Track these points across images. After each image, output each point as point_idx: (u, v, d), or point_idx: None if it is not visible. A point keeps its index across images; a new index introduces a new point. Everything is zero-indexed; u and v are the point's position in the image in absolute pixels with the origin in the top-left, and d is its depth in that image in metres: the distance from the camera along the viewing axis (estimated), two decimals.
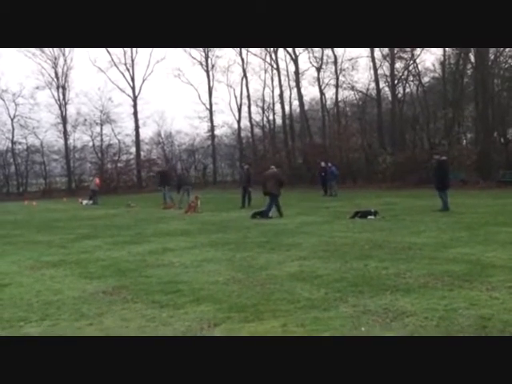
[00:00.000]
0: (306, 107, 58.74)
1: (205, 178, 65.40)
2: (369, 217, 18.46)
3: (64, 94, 59.11)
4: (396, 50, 47.24)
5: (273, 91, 61.62)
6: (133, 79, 62.26)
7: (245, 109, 63.55)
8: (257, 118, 63.80)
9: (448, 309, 6.93)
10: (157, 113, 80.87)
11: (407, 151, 46.20)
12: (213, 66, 64.49)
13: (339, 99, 54.45)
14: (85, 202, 36.76)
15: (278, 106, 61.12)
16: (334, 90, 54.54)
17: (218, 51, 63.27)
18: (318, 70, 54.89)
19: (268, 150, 61.72)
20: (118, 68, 61.91)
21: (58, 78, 58.86)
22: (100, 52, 65.12)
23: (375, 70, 50.12)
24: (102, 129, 61.44)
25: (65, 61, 58.93)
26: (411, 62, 48.17)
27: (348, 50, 53.96)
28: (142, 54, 62.89)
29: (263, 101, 62.60)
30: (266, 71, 62.21)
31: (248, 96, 62.70)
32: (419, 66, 49.05)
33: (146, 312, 7.43)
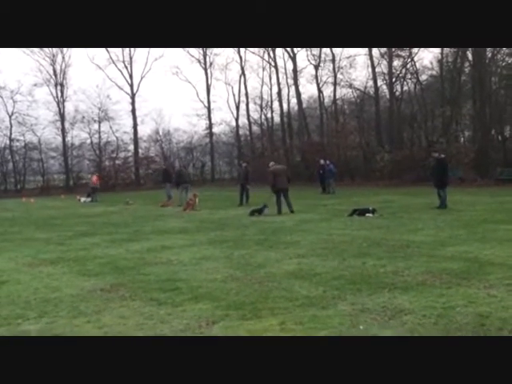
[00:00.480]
0: (304, 105, 58.67)
1: (203, 175, 65.39)
2: (367, 214, 18.47)
3: (62, 92, 59.05)
4: (394, 48, 47.21)
5: (271, 89, 61.60)
6: (131, 77, 62.22)
7: (243, 106, 63.55)
8: (255, 115, 63.83)
9: (446, 307, 6.94)
10: (155, 110, 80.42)
11: (405, 149, 46.19)
12: (211, 63, 64.44)
13: (337, 97, 54.44)
14: (83, 199, 36.73)
15: (276, 104, 61.15)
16: (331, 88, 54.57)
17: (216, 49, 63.21)
18: (316, 67, 54.85)
19: (266, 148, 61.68)
20: (116, 65, 61.91)
21: (56, 76, 58.80)
22: (98, 50, 64.86)
23: (373, 68, 50.10)
24: (100, 126, 61.43)
25: (63, 58, 58.89)
26: (409, 60, 48.15)
27: (346, 48, 54.07)
28: (141, 52, 62.74)
29: (261, 99, 62.61)
30: (264, 69, 62.13)
31: (246, 94, 62.73)
32: (417, 64, 49.04)
33: (144, 310, 7.43)
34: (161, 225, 18.66)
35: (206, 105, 64.66)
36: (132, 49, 61.16)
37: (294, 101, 58.43)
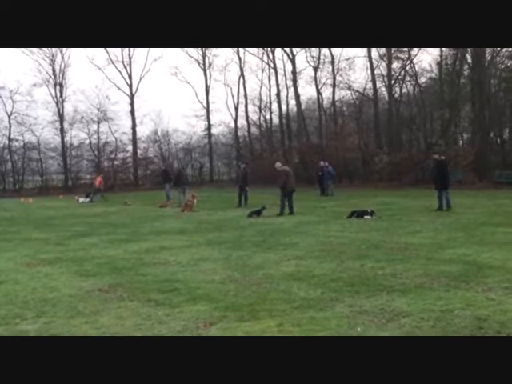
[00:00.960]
0: (303, 107, 58.74)
1: (201, 176, 65.35)
2: (365, 217, 18.48)
3: (61, 92, 58.98)
4: (393, 50, 47.23)
5: (270, 90, 61.64)
6: (130, 77, 62.16)
7: (242, 108, 63.59)
8: (254, 117, 63.84)
9: (444, 309, 6.94)
10: (154, 111, 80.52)
11: (404, 151, 46.24)
12: (210, 64, 64.47)
13: (336, 99, 54.44)
14: (81, 199, 36.70)
15: (274, 105, 61.17)
16: (330, 90, 54.57)
17: (215, 50, 63.19)
18: (315, 69, 54.86)
19: (265, 150, 61.71)
20: (115, 66, 61.94)
21: (55, 76, 58.73)
22: (97, 50, 64.74)
23: (372, 70, 50.14)
24: (98, 126, 61.31)
25: (62, 58, 58.79)
26: (408, 62, 48.17)
27: (345, 49, 54.00)
28: (140, 53, 62.79)
29: (260, 100, 62.65)
30: (263, 70, 62.14)
31: (245, 95, 62.78)
32: (416, 67, 49.07)
33: (142, 310, 7.43)
34: (159, 225, 18.66)
35: (205, 106, 64.72)
36: (131, 49, 61.18)
37: (292, 102, 58.60)
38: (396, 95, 50.29)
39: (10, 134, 57.19)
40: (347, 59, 53.68)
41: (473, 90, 44.10)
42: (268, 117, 62.88)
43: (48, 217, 24.48)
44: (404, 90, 51.11)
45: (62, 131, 58.87)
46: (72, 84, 67.07)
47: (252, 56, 68.14)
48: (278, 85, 58.56)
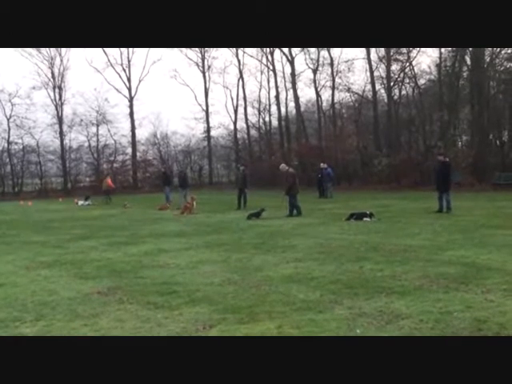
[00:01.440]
0: (302, 109, 58.78)
1: (201, 179, 65.38)
2: (364, 219, 18.49)
3: (60, 95, 59.02)
4: (392, 52, 47.30)
5: (269, 93, 61.75)
6: (129, 80, 62.20)
7: (241, 110, 63.70)
8: (253, 119, 63.90)
9: (443, 311, 6.94)
10: (153, 114, 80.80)
11: (403, 153, 46.25)
12: (209, 67, 64.56)
13: (335, 101, 54.48)
14: (80, 202, 36.68)
15: (274, 108, 61.24)
16: (330, 92, 54.63)
17: (214, 52, 63.40)
18: (314, 71, 54.91)
19: (264, 152, 61.77)
20: (114, 69, 61.88)
21: (54, 79, 58.76)
22: (96, 53, 64.92)
23: (371, 71, 50.18)
24: (98, 129, 61.32)
25: (61, 61, 58.84)
26: (407, 64, 48.20)
27: (344, 51, 54.12)
28: (139, 55, 63.01)
29: (259, 102, 62.71)
30: (262, 73, 62.21)
31: (244, 97, 62.86)
32: (415, 68, 49.09)
33: (141, 313, 7.43)
34: (158, 228, 18.65)
35: (204, 108, 64.84)
36: (130, 52, 61.30)
37: (292, 104, 58.68)
38: (395, 97, 50.31)
39: (9, 137, 57.23)
40: (346, 61, 53.75)
41: (472, 92, 44.12)
42: (267, 119, 63.02)
43: (47, 220, 24.47)
44: (403, 92, 51.15)
45: (61, 134, 58.91)
46: (71, 87, 67.22)
47: (251, 58, 68.18)
48: (277, 87, 58.70)
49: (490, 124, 43.16)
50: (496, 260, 10.40)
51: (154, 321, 7.02)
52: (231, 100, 66.09)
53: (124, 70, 61.94)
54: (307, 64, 56.06)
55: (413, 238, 13.73)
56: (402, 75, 49.26)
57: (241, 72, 62.08)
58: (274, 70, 58.77)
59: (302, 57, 59.95)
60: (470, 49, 41.53)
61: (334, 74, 53.21)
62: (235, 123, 64.29)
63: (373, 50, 48.92)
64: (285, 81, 58.77)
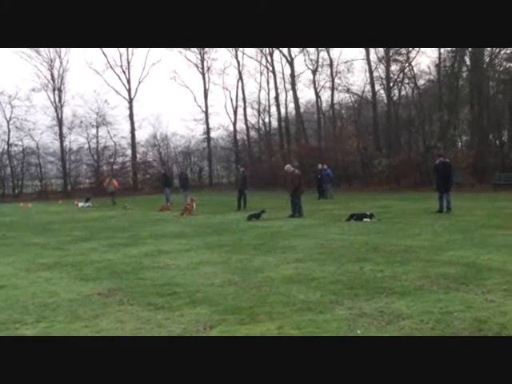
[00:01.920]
0: (302, 110, 58.80)
1: (200, 180, 65.38)
2: (364, 219, 18.48)
3: (60, 96, 59.04)
4: (391, 52, 47.28)
5: (268, 94, 61.73)
6: (129, 81, 62.23)
7: (240, 111, 63.69)
8: (252, 120, 63.88)
9: (444, 312, 6.94)
10: (153, 115, 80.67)
11: (402, 154, 46.24)
12: (208, 68, 64.55)
13: (335, 102, 54.47)
14: (80, 204, 36.66)
15: (273, 109, 61.23)
16: (329, 93, 54.60)
17: (213, 53, 63.41)
18: (314, 72, 54.91)
19: (264, 153, 61.78)
20: (113, 70, 61.91)
21: (53, 80, 58.78)
22: (96, 54, 64.89)
23: (371, 72, 50.15)
24: (97, 131, 61.35)
25: (61, 63, 58.88)
26: (406, 64, 48.17)
27: (343, 52, 54.18)
28: (138, 57, 63.04)
29: (259, 103, 62.67)
30: (261, 74, 62.17)
31: (244, 98, 62.85)
32: (414, 69, 49.05)
33: (142, 314, 7.43)
34: (158, 229, 18.65)
35: (204, 109, 64.81)
36: (130, 54, 61.35)
37: (291, 105, 58.68)
38: (395, 98, 50.29)
39: (8, 139, 57.27)
40: (346, 62, 53.72)
41: (471, 92, 44.12)
42: (267, 120, 62.98)
43: (47, 221, 24.47)
44: (403, 93, 51.11)
45: (61, 136, 58.92)
46: (71, 89, 67.20)
47: (250, 59, 68.09)
48: (276, 88, 58.70)
49: (490, 124, 43.14)
50: (496, 260, 10.40)
51: (155, 322, 7.02)
52: (231, 101, 66.21)
53: (123, 72, 62.04)
54: (306, 65, 56.13)
55: (413, 239, 13.73)
56: (401, 76, 49.24)
57: (240, 73, 62.14)
58: (273, 71, 58.81)
59: (301, 58, 59.85)
60: (470, 49, 41.53)
61: (334, 74, 53.25)
62: (235, 124, 64.37)
63: (372, 50, 48.93)
64: (284, 82, 58.83)
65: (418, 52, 46.48)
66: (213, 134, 66.65)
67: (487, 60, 43.25)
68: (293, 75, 55.55)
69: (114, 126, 61.80)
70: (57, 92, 58.87)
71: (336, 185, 39.40)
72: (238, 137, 64.81)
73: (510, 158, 42.27)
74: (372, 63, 50.25)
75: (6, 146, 57.34)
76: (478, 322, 6.45)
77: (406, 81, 49.99)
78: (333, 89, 53.50)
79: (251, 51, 59.64)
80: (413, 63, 48.47)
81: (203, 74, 64.37)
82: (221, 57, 61.89)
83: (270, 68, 59.24)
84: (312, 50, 53.58)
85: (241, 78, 62.39)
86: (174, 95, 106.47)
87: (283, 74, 58.59)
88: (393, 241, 13.47)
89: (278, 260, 11.34)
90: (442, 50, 44.13)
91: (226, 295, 8.34)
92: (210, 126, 65.60)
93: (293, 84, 55.80)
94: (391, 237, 14.30)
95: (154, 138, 65.27)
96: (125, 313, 7.55)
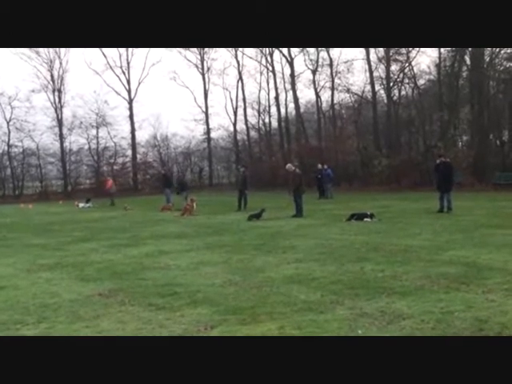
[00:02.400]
0: (302, 110, 58.76)
1: (201, 180, 65.38)
2: (365, 219, 18.48)
3: (60, 97, 59.01)
4: (391, 52, 47.24)
5: (268, 94, 61.68)
6: (128, 82, 62.21)
7: (240, 111, 63.66)
8: (252, 120, 63.84)
9: (444, 311, 6.94)
10: (153, 115, 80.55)
11: (403, 154, 46.21)
12: (208, 68, 64.53)
13: (335, 102, 54.41)
14: (81, 204, 36.65)
15: (273, 109, 61.17)
16: (329, 93, 54.55)
17: (213, 54, 63.40)
18: (314, 72, 54.87)
19: (264, 153, 61.75)
20: (113, 71, 61.85)
21: (53, 81, 58.75)
22: (95, 55, 65.12)
23: (371, 72, 50.12)
24: (97, 132, 61.32)
25: (60, 64, 58.85)
26: (407, 64, 48.13)
27: (343, 52, 54.13)
28: (138, 57, 62.95)
29: (259, 103, 62.61)
30: (261, 74, 62.11)
31: (244, 99, 62.82)
32: (415, 69, 48.99)
33: (143, 314, 7.43)
34: (159, 230, 18.66)
35: (204, 110, 64.79)
36: (129, 54, 61.32)
37: (291, 105, 58.62)
38: (395, 98, 50.26)
39: (9, 140, 57.26)
40: (346, 62, 53.62)
41: (472, 92, 44.09)
42: (267, 120, 62.93)
43: (48, 222, 24.47)
44: (403, 93, 51.08)
45: (61, 137, 58.91)
46: (70, 89, 66.80)
47: (250, 59, 68.11)
48: (276, 88, 58.66)
49: (490, 124, 43.10)
50: (497, 260, 10.40)
51: (156, 322, 7.03)
52: (231, 101, 66.22)
53: (123, 72, 62.02)
54: (306, 65, 56.07)
55: (413, 239, 13.74)
56: (401, 75, 49.21)
57: (240, 73, 62.11)
58: (273, 71, 58.77)
59: (301, 58, 59.83)
60: (470, 49, 41.49)
61: (334, 74, 53.20)
62: (235, 124, 64.35)
63: (372, 50, 48.89)
64: (284, 82, 58.77)
65: (418, 52, 46.44)
66: (213, 135, 66.74)
67: (487, 60, 43.21)
68: (293, 75, 55.53)
69: (114, 126, 61.85)
70: (57, 93, 58.84)
71: (336, 185, 39.39)
72: (238, 137, 64.83)
73: (510, 157, 42.24)
74: (372, 63, 50.25)
75: (6, 147, 57.38)
76: (479, 321, 6.45)
77: (406, 81, 49.96)
78: (333, 89, 53.49)
79: (251, 51, 59.70)
80: (413, 63, 48.48)
81: (203, 75, 64.40)
82: (220, 57, 62.16)
83: (270, 68, 59.25)
84: (312, 49, 53.58)
85: (241, 78, 62.43)
86: (174, 96, 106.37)
87: (283, 74, 58.62)
88: (393, 240, 13.47)
89: (279, 260, 11.35)
90: (442, 49, 44.11)
91: (226, 295, 8.35)
92: (210, 126, 65.67)
93: (293, 84, 55.79)
94: (392, 236, 14.30)
95: (154, 139, 65.28)
96: (126, 313, 7.55)
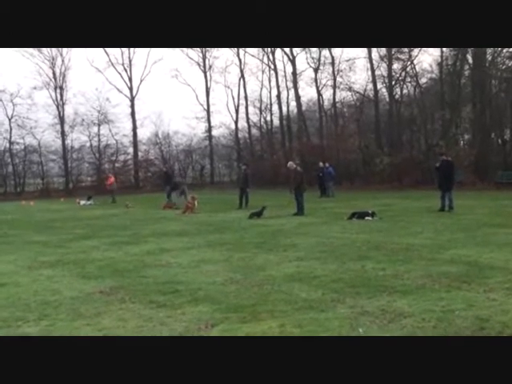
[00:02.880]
0: (304, 108, 58.66)
1: (202, 178, 65.37)
2: (366, 218, 18.47)
3: (62, 95, 58.96)
4: (393, 50, 47.21)
5: (270, 92, 61.58)
6: (130, 80, 62.18)
7: (242, 109, 63.60)
8: (254, 118, 63.78)
9: (445, 310, 6.94)
10: (154, 113, 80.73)
11: (404, 152, 46.22)
12: (210, 66, 64.46)
13: (337, 100, 54.39)
14: (82, 202, 36.65)
15: (275, 107, 61.12)
16: (331, 91, 54.52)
17: (215, 52, 63.29)
18: (316, 70, 54.83)
19: (265, 151, 61.73)
20: (115, 68, 61.79)
21: (55, 79, 58.69)
22: (97, 52, 64.81)
23: (372, 71, 50.09)
24: (99, 129, 61.26)
25: (62, 61, 58.76)
26: (408, 62, 48.13)
27: (345, 50, 53.97)
28: (140, 55, 62.91)
29: (260, 101, 62.55)
30: (263, 72, 62.07)
31: (245, 97, 62.76)
32: (416, 67, 49.00)
33: (144, 312, 7.43)
34: (160, 227, 18.66)
35: (206, 108, 64.75)
36: (131, 52, 61.23)
37: (293, 104, 58.51)
38: (397, 96, 50.26)
39: (10, 137, 57.20)
40: (347, 60, 53.55)
41: (473, 91, 44.06)
42: (268, 118, 62.89)
43: (49, 219, 24.47)
44: (405, 91, 51.11)
45: (63, 134, 58.87)
46: (72, 87, 67.11)
47: (252, 58, 68.06)
48: (278, 86, 58.59)
49: (492, 123, 43.07)
50: (498, 259, 10.40)
51: (157, 320, 7.03)
52: (232, 99, 65.89)
53: (125, 70, 61.94)
54: (308, 63, 56.02)
55: (415, 237, 13.73)
56: (403, 74, 49.21)
57: (242, 71, 62.05)
58: (275, 69, 58.76)
59: (303, 56, 59.84)
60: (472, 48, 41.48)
61: (336, 73, 53.15)
62: (236, 122, 64.31)
63: (374, 49, 48.82)
64: (286, 80, 58.73)
65: (420, 50, 46.41)
66: (214, 133, 66.71)
67: (489, 58, 43.19)
68: (294, 73, 55.49)
69: (116, 124, 61.78)
70: (58, 90, 58.77)
71: (338, 183, 39.37)
72: (240, 135, 64.79)
73: None
74: (374, 61, 50.23)
75: (7, 144, 57.31)
76: (480, 320, 6.45)
77: (408, 79, 49.99)
78: (335, 87, 53.46)
79: (253, 50, 59.54)
80: (415, 62, 48.47)
81: (205, 73, 64.35)
82: (222, 55, 62.14)
83: (272, 66, 59.22)
84: (314, 48, 53.57)
85: (242, 76, 62.37)
86: (176, 93, 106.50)
87: (285, 72, 58.59)
88: (394, 239, 13.46)
89: (280, 258, 11.35)
90: (444, 48, 44.08)
91: (227, 293, 8.34)
92: (212, 124, 65.61)
93: (294, 82, 55.74)
94: (393, 235, 14.30)
95: (156, 136, 65.23)
96: (127, 311, 7.55)
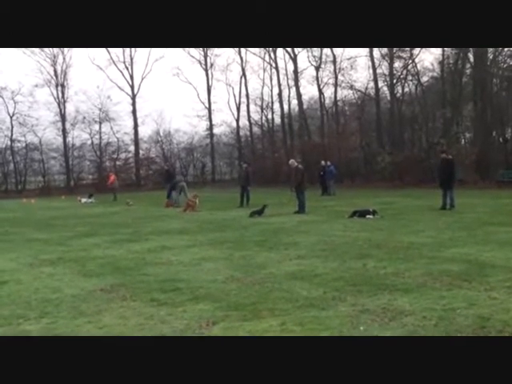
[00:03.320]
0: (305, 106, 58.72)
1: (203, 176, 65.41)
2: (367, 216, 18.45)
3: (63, 92, 59.13)
4: (395, 49, 47.21)
5: (272, 90, 61.76)
6: (132, 77, 62.32)
7: (243, 108, 63.75)
8: (255, 116, 63.96)
9: (447, 308, 6.93)
10: (156, 111, 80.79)
11: (406, 151, 46.25)
12: (212, 64, 64.61)
13: (338, 98, 54.49)
14: (83, 199, 36.68)
15: (276, 105, 61.31)
16: (332, 89, 54.63)
17: (216, 50, 63.35)
18: (317, 69, 54.90)
19: (267, 149, 61.78)
20: (116, 66, 61.98)
21: (56, 76, 58.87)
22: (99, 50, 64.75)
23: (374, 69, 50.13)
24: (100, 127, 61.49)
25: (64, 59, 58.97)
26: (410, 61, 48.16)
27: (347, 49, 53.99)
28: (141, 53, 62.70)
29: (262, 100, 62.71)
30: (264, 70, 62.17)
31: (247, 95, 62.87)
32: (418, 66, 49.04)
33: (145, 310, 7.43)
34: (161, 225, 18.66)
35: (207, 106, 64.88)
36: (132, 50, 61.31)
37: (294, 102, 58.62)
38: (398, 94, 50.29)
39: (12, 134, 57.38)
40: (349, 59, 53.64)
41: (475, 89, 44.03)
42: (270, 116, 63.08)
43: (50, 217, 24.49)
44: (406, 90, 51.14)
45: (64, 132, 59.01)
46: (73, 85, 67.06)
47: (254, 56, 68.00)
48: (279, 84, 58.69)
49: (493, 121, 43.06)
50: (499, 257, 10.39)
51: (158, 318, 7.03)
52: (234, 97, 65.91)
53: (126, 68, 62.11)
54: (310, 61, 56.18)
55: (416, 236, 13.72)
56: (404, 72, 49.24)
57: (243, 69, 62.17)
58: (276, 68, 58.82)
59: (304, 54, 59.72)
60: None
61: (337, 71, 53.22)
62: (238, 121, 64.41)
63: (376, 47, 48.87)
64: (287, 78, 58.81)
65: (421, 49, 46.42)
66: (216, 131, 66.86)
67: (491, 57, 43.18)
68: (296, 72, 55.52)
69: (117, 121, 61.98)
70: (60, 88, 58.94)
71: (339, 181, 39.39)
72: (241, 133, 64.90)
73: None
74: (375, 60, 50.31)
75: (9, 142, 57.48)
76: (481, 318, 6.44)
77: (410, 78, 50.03)
78: (336, 85, 53.53)
79: (254, 48, 59.67)
80: (416, 60, 48.53)
81: (206, 71, 64.46)
82: (224, 53, 62.01)
83: (273, 64, 59.34)
84: None
85: (244, 74, 62.47)
86: (177, 91, 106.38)
87: (286, 70, 58.68)
88: (396, 237, 13.45)
89: (281, 256, 11.34)
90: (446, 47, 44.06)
91: (228, 291, 8.34)
92: (213, 122, 65.85)
93: (296, 80, 55.78)
94: (394, 233, 14.29)
95: (157, 134, 65.36)
96: (128, 309, 7.55)
